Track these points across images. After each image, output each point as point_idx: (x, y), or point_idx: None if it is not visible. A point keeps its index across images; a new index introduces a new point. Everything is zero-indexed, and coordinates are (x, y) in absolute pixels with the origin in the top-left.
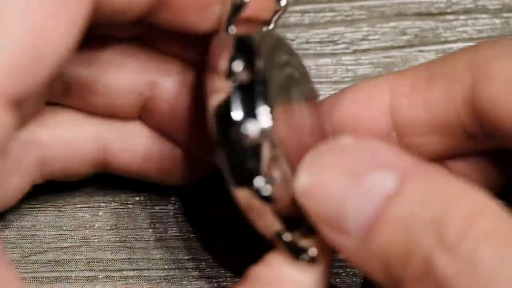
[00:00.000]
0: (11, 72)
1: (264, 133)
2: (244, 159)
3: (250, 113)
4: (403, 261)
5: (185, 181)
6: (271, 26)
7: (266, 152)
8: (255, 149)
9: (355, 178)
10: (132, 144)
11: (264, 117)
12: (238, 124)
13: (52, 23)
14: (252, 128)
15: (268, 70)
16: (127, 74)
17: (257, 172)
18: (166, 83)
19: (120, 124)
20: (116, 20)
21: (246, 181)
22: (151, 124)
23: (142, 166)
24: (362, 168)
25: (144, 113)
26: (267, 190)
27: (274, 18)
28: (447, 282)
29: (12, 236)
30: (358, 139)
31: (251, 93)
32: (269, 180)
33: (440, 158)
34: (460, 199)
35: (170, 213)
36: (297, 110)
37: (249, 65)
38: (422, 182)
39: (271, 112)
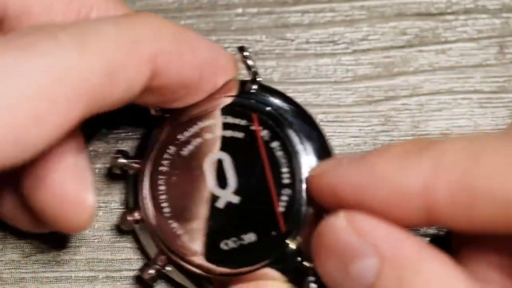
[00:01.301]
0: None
1: None
2: None
3: None
4: None
5: None
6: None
7: None
8: None
9: (345, 266)
10: None
11: None
12: None
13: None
14: None
15: None
16: None
17: None
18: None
19: None
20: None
21: None
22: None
23: None
24: (350, 255)
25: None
26: None
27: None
28: None
29: (12, 236)
30: (350, 219)
31: None
32: None
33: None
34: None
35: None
36: None
37: None
38: (395, 272)
39: None
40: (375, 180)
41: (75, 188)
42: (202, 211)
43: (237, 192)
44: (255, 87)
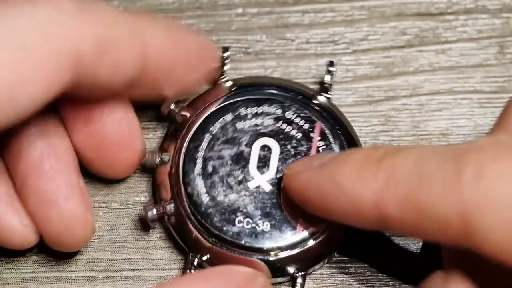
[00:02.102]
0: None
1: None
2: None
3: None
4: None
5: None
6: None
7: None
8: None
9: None
10: None
11: None
12: None
13: (29, 78)
14: None
15: None
16: None
17: None
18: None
19: None
20: (95, 93)
21: None
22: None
23: None
24: None
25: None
26: None
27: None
28: None
29: None
30: None
31: None
32: None
33: None
34: None
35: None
36: None
37: None
38: None
39: None
40: (334, 188)
41: (82, 207)
42: (232, 183)
43: (271, 182)
44: (321, 99)
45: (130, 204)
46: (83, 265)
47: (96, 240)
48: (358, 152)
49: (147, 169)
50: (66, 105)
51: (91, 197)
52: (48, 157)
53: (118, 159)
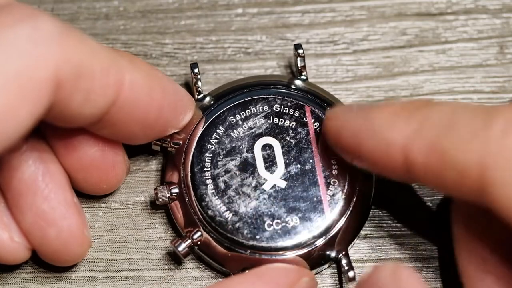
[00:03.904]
0: None
1: None
2: None
3: None
4: None
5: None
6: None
7: None
8: None
9: None
10: None
11: None
12: None
13: (13, 107)
14: None
15: None
16: None
17: None
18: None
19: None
20: (64, 124)
21: None
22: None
23: None
24: None
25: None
26: None
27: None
28: None
29: None
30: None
31: None
32: None
33: None
34: None
35: (170, 214)
36: None
37: None
38: None
39: None
40: (368, 129)
41: (79, 225)
42: (248, 192)
43: (284, 177)
44: (299, 83)
45: (130, 204)
46: (83, 265)
47: (96, 240)
48: (397, 101)
49: (160, 206)
50: (49, 129)
51: (84, 213)
52: (43, 176)
53: (101, 181)
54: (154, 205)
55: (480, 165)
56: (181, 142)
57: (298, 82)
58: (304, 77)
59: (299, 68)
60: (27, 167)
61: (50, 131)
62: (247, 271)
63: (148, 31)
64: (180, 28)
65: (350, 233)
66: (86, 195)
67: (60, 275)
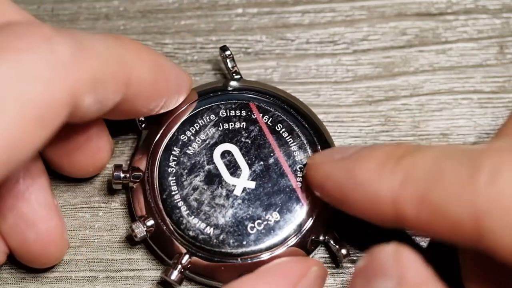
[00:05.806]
0: None
1: None
2: None
3: None
4: None
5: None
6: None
7: None
8: None
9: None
10: None
11: None
12: None
13: (30, 132)
14: None
15: None
16: None
17: None
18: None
19: None
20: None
21: None
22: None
23: None
24: (378, 273)
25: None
26: None
27: None
28: None
29: None
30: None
31: None
32: None
33: None
34: None
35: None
36: None
37: None
38: None
39: None
40: (353, 183)
41: (58, 228)
42: (221, 202)
43: (251, 177)
44: (235, 84)
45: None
46: (83, 265)
47: (96, 240)
48: (380, 149)
49: (141, 242)
50: None
51: (63, 217)
52: (24, 179)
53: (87, 165)
54: None
55: (474, 215)
56: (141, 174)
57: (234, 83)
58: (238, 76)
59: (231, 69)
60: None
61: None
62: (258, 270)
63: (148, 31)
64: (180, 28)
65: (331, 211)
66: (86, 195)
67: (60, 275)
